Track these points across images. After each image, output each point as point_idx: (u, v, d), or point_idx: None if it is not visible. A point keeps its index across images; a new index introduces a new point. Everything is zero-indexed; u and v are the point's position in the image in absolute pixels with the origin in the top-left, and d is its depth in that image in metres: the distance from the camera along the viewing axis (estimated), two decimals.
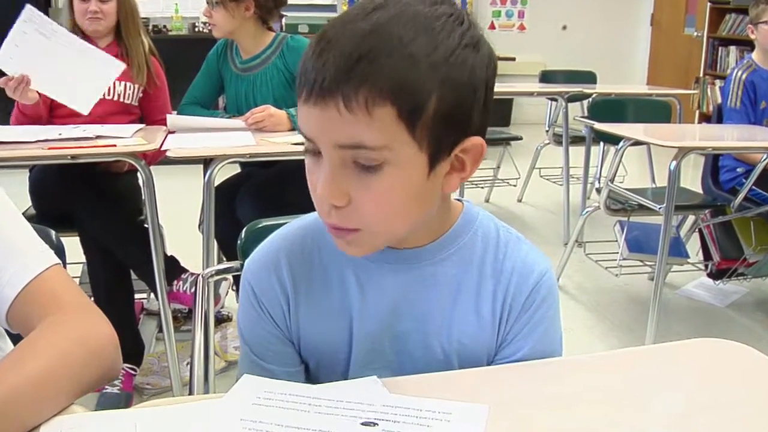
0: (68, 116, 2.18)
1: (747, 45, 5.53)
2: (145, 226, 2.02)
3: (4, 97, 2.11)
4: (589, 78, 4.51)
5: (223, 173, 2.04)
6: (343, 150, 0.66)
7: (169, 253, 2.25)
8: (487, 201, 4.38)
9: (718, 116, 3.02)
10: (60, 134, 1.98)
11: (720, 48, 6.17)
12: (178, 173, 2.92)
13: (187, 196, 2.82)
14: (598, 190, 2.88)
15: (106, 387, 2.02)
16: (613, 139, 2.82)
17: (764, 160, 2.47)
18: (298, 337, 0.81)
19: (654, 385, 0.74)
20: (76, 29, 2.25)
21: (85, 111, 2.14)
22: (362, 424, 0.64)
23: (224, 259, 2.28)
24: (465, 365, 0.79)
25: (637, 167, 4.25)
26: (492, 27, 7.24)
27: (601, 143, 3.48)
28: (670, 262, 2.76)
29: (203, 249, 1.99)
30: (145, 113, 2.41)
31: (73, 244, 1.89)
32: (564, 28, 7.37)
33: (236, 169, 2.50)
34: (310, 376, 0.83)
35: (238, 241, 1.10)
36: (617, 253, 2.79)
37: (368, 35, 0.64)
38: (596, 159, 3.59)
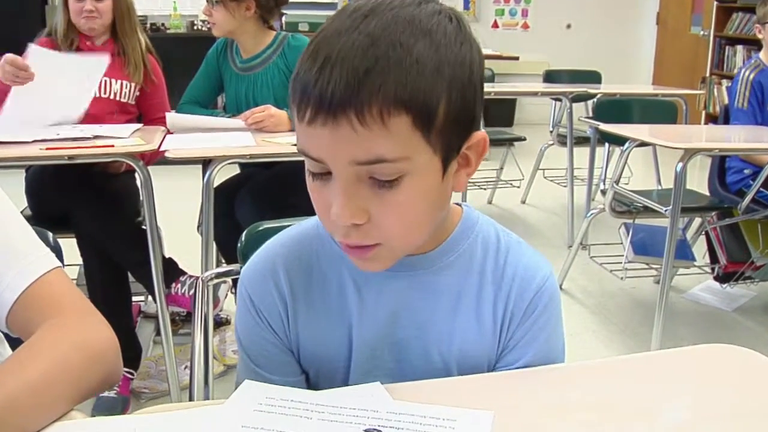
0: None
1: (754, 44, 5.49)
2: (143, 227, 2.01)
3: None
4: (594, 78, 4.47)
5: (222, 174, 2.02)
6: (359, 166, 0.64)
7: (167, 255, 2.24)
8: (490, 203, 4.34)
9: (724, 117, 3.01)
10: (58, 134, 1.96)
11: (727, 47, 6.13)
12: (176, 174, 2.89)
13: (185, 197, 2.79)
14: (603, 192, 2.86)
15: None
16: (618, 140, 2.80)
17: None
18: (297, 345, 0.80)
19: (660, 392, 0.73)
20: (72, 27, 2.23)
21: (76, 118, 2.13)
22: (365, 431, 0.64)
23: (223, 261, 2.26)
24: (465, 374, 0.78)
25: (642, 169, 4.22)
26: (495, 26, 7.19)
27: (606, 144, 3.45)
28: (677, 265, 2.74)
29: (202, 251, 1.98)
30: (143, 111, 2.39)
31: (69, 246, 1.87)
32: (568, 26, 7.33)
33: (236, 170, 2.47)
34: (310, 385, 0.82)
35: (238, 244, 1.09)
36: (622, 255, 2.76)
37: (371, 46, 0.62)
38: (601, 160, 3.55)
